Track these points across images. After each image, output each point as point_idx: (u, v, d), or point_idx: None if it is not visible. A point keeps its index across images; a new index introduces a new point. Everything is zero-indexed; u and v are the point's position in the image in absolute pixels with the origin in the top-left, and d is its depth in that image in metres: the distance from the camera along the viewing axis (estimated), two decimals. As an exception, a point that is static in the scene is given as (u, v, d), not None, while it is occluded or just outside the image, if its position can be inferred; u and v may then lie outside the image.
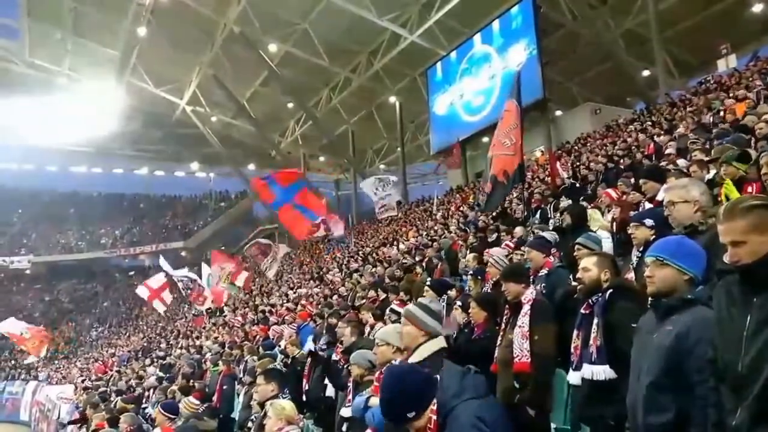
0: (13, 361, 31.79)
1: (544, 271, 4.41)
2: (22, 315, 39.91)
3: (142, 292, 21.37)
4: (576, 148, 18.93)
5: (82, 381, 18.94)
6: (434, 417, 2.17)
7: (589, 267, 3.08)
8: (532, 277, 4.52)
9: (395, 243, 17.74)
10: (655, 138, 11.29)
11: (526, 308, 3.57)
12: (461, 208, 17.67)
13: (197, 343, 16.62)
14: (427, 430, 2.19)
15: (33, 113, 38.40)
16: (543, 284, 4.26)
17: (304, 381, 6.02)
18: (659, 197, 4.82)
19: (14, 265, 43.31)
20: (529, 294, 3.67)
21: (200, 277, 19.74)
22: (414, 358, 2.94)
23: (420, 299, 4.37)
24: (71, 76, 37.17)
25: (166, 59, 32.23)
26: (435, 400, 2.19)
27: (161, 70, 33.88)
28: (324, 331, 7.26)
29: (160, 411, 5.92)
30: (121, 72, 34.62)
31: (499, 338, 3.78)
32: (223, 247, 40.63)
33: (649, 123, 15.07)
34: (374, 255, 17.44)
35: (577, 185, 10.93)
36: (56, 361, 30.88)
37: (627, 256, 3.98)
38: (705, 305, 2.07)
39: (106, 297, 43.87)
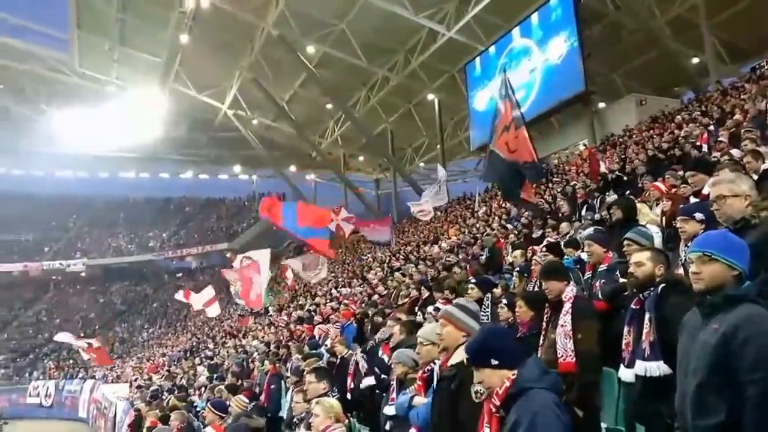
0: (71, 360, 33.13)
1: (603, 267, 4.29)
2: (80, 317, 42.03)
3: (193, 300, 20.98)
4: (621, 140, 18.43)
5: (135, 380, 19.59)
6: (507, 385, 2.28)
7: (643, 261, 3.06)
8: (590, 272, 4.42)
9: (437, 241, 17.66)
10: (709, 128, 10.87)
11: (567, 306, 3.49)
12: (503, 205, 17.45)
13: (243, 342, 16.95)
14: (495, 392, 2.31)
15: (85, 122, 39.80)
16: (603, 280, 4.16)
17: (349, 380, 6.07)
18: (705, 191, 4.64)
19: (70, 268, 45.32)
20: (570, 291, 3.59)
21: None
22: (455, 359, 2.93)
23: (457, 300, 4.35)
24: (119, 85, 38.49)
25: (207, 65, 32.91)
26: (514, 374, 2.29)
27: (203, 76, 34.62)
28: (369, 329, 7.29)
29: (211, 409, 6.09)
30: (165, 79, 35.56)
31: (541, 338, 3.71)
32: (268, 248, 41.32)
33: (698, 113, 14.51)
34: (415, 254, 17.43)
35: (624, 178, 10.64)
36: (111, 361, 32.04)
37: (676, 251, 3.87)
38: (753, 302, 1.99)
39: (156, 298, 45.27)
